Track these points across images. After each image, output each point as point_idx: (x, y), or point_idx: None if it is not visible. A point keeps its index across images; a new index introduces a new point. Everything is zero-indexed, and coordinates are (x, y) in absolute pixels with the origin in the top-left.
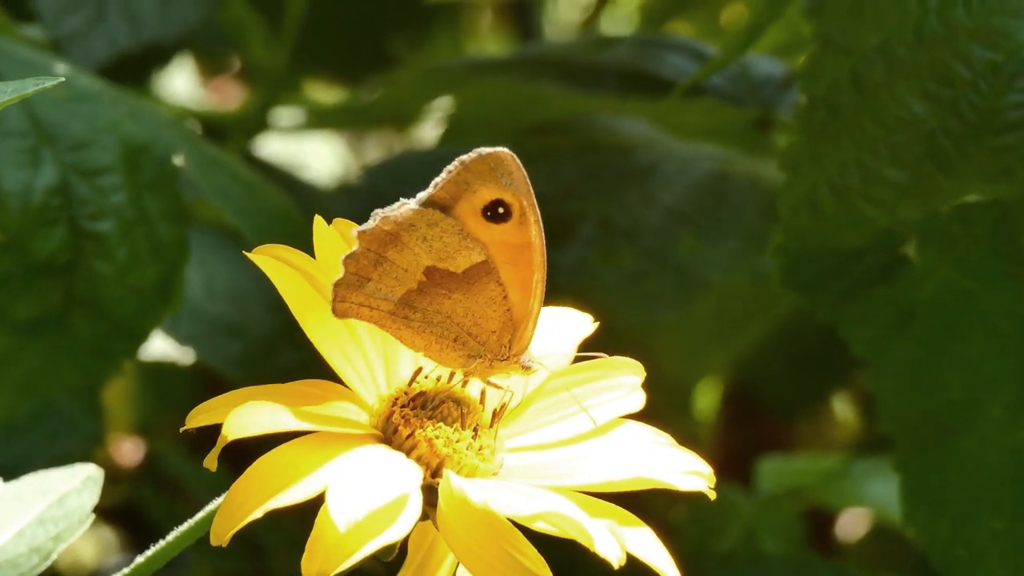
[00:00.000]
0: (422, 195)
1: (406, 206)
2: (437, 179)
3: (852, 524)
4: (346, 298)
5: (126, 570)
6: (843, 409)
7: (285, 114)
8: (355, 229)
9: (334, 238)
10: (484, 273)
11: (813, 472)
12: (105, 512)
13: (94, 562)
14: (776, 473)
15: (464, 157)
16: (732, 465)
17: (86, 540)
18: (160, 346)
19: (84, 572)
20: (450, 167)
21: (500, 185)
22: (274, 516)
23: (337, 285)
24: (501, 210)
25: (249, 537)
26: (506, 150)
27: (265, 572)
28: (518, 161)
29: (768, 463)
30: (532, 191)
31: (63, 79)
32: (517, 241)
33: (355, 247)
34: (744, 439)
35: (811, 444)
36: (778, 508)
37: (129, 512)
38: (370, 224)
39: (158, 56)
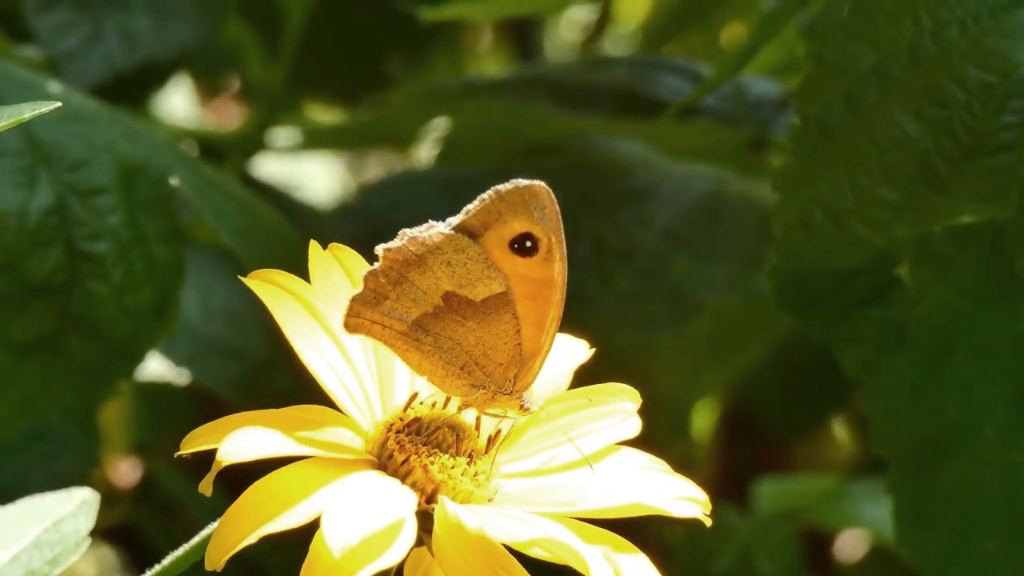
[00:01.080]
0: (453, 220)
1: (436, 229)
2: (470, 206)
3: (850, 545)
4: (360, 314)
5: None
6: (841, 430)
7: (283, 134)
8: (380, 246)
9: (329, 262)
10: (501, 305)
11: (810, 493)
12: (105, 532)
13: None
14: (773, 494)
15: (500, 187)
16: (729, 486)
17: (86, 560)
18: (158, 367)
19: None
20: (484, 195)
21: (532, 219)
22: (273, 538)
23: (354, 300)
24: (529, 244)
25: (247, 559)
26: (542, 184)
27: None
28: (552, 196)
29: (765, 484)
30: (562, 227)
31: (59, 104)
32: (539, 277)
33: (377, 264)
34: (741, 460)
35: (809, 465)
36: (775, 529)
37: (129, 531)
38: (397, 243)
39: (155, 76)
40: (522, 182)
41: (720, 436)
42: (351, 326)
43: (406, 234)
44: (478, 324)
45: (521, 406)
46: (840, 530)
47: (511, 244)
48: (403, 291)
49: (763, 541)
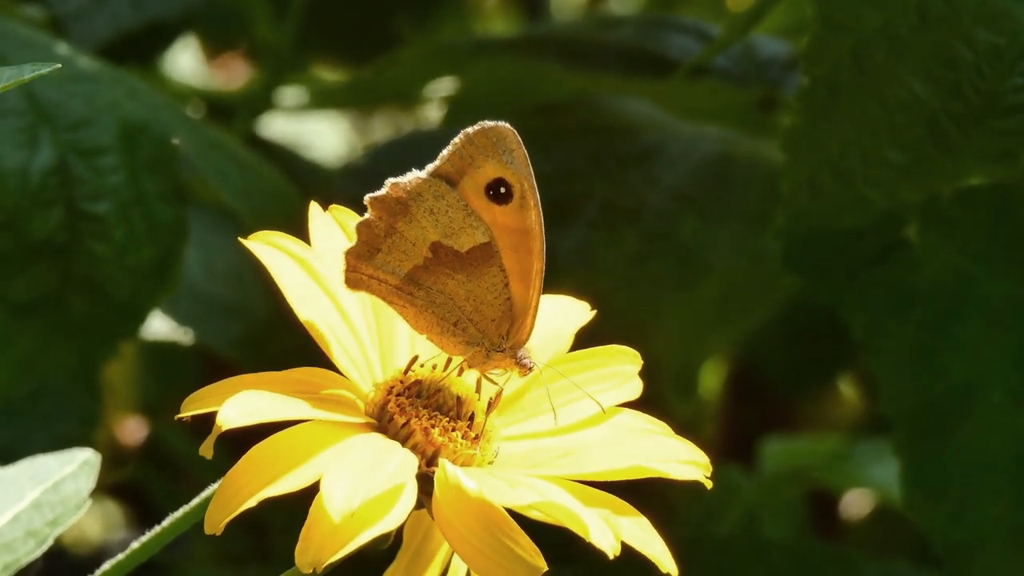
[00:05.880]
0: (430, 166)
1: (414, 175)
2: (444, 151)
3: (856, 503)
4: (357, 268)
5: (121, 556)
6: (848, 388)
7: (290, 93)
8: (368, 195)
9: (329, 223)
10: (487, 256)
11: (816, 453)
12: (110, 488)
13: (100, 538)
14: (779, 454)
15: (468, 129)
16: (735, 445)
17: (92, 517)
18: (163, 326)
19: (90, 548)
20: (456, 139)
21: (502, 163)
22: (275, 496)
23: (348, 254)
24: (503, 190)
25: (250, 516)
26: (507, 125)
27: (265, 551)
28: (519, 138)
29: (771, 444)
30: (532, 172)
31: (59, 65)
32: (518, 226)
33: (367, 214)
34: (748, 419)
35: (816, 424)
36: (780, 489)
37: (134, 488)
38: (382, 191)
39: (162, 35)
40: (488, 123)
41: (727, 395)
42: (351, 281)
43: (389, 181)
44: (467, 277)
45: (518, 363)
46: (846, 489)
47: (486, 191)
48: (394, 243)
49: (768, 501)
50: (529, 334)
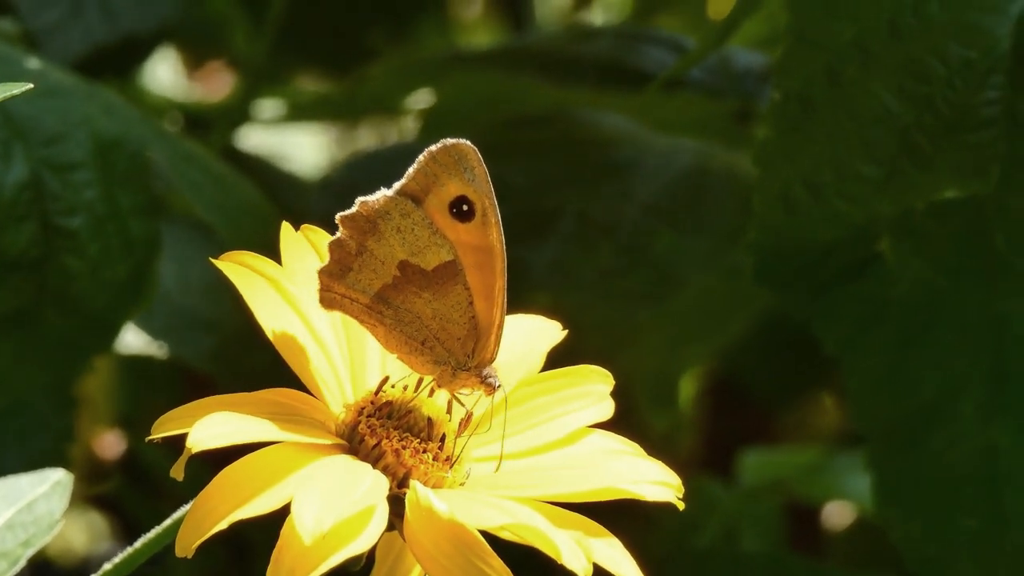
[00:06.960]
0: (396, 184)
1: (381, 193)
2: (409, 169)
3: (837, 515)
4: (330, 288)
5: None
6: (829, 399)
7: (269, 106)
8: (339, 214)
9: (301, 244)
10: (452, 274)
11: (796, 465)
12: (95, 499)
13: (85, 549)
14: (758, 465)
15: (432, 147)
16: (714, 457)
17: (77, 527)
18: (139, 340)
19: (75, 559)
20: (420, 157)
21: (464, 180)
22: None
23: (321, 273)
24: (465, 207)
25: (230, 533)
26: (468, 143)
27: (246, 569)
28: (479, 156)
29: (750, 455)
30: (492, 190)
31: (32, 85)
32: (481, 243)
33: (339, 233)
34: (727, 430)
35: (796, 435)
36: (760, 501)
37: (119, 500)
38: (351, 209)
39: (138, 48)
40: (450, 141)
41: (706, 406)
42: (325, 301)
43: (358, 200)
44: (433, 295)
45: (483, 382)
46: (826, 501)
47: (450, 209)
48: (364, 262)
49: (748, 513)
50: (494, 352)
